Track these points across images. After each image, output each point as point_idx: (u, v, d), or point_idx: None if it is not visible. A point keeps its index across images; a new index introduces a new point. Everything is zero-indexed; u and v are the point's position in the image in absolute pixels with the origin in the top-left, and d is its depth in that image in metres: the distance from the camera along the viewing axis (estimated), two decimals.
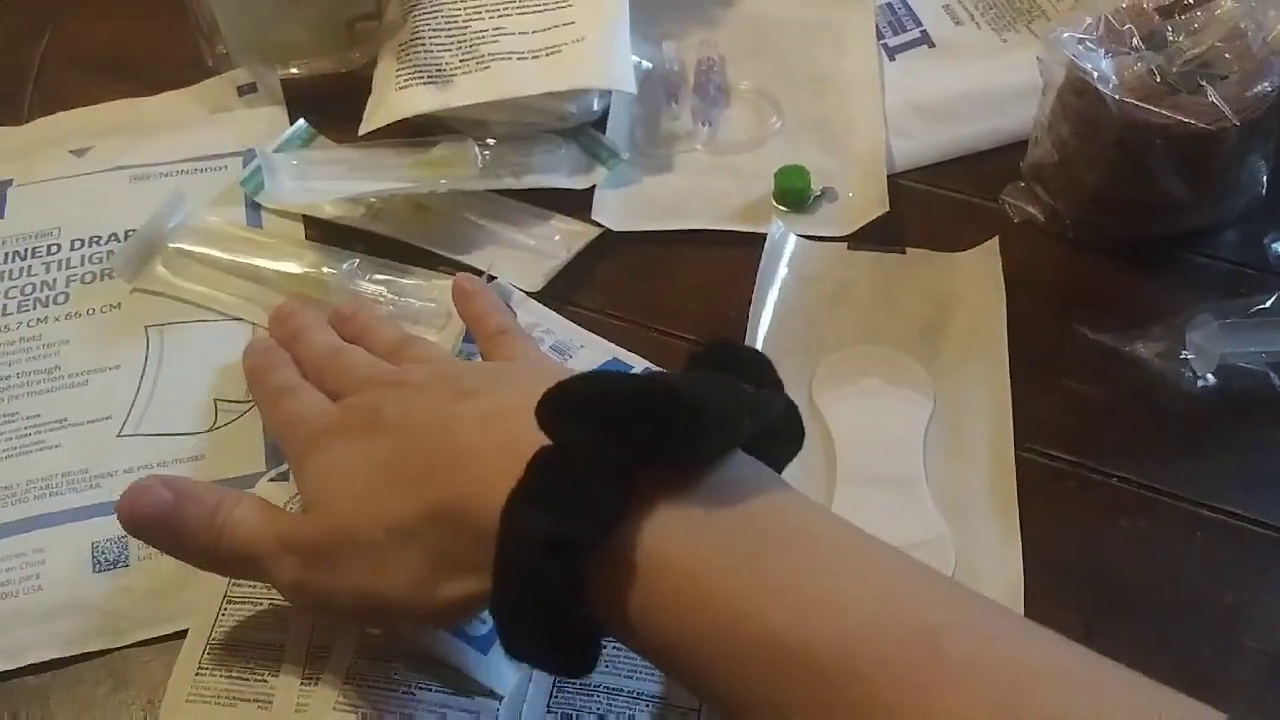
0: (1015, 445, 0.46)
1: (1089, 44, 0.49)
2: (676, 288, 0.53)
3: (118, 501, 0.37)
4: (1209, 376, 0.47)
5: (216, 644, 0.40)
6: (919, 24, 0.61)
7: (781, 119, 0.58)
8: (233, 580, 0.41)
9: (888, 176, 0.55)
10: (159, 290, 0.52)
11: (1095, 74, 0.48)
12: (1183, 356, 0.47)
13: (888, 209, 0.53)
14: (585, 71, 0.55)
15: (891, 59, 0.60)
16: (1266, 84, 0.48)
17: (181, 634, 0.41)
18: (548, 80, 0.54)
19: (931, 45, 0.60)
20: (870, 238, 0.53)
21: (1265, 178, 0.52)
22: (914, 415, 0.47)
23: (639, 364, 0.50)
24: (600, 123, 0.58)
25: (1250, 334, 0.47)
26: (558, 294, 0.52)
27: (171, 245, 0.53)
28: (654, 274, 0.53)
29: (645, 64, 0.60)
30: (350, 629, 0.39)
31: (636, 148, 0.57)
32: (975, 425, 0.47)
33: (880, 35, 0.61)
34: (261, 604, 0.41)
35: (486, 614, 0.33)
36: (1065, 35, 0.48)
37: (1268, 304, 0.48)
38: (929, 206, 0.55)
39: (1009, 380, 0.47)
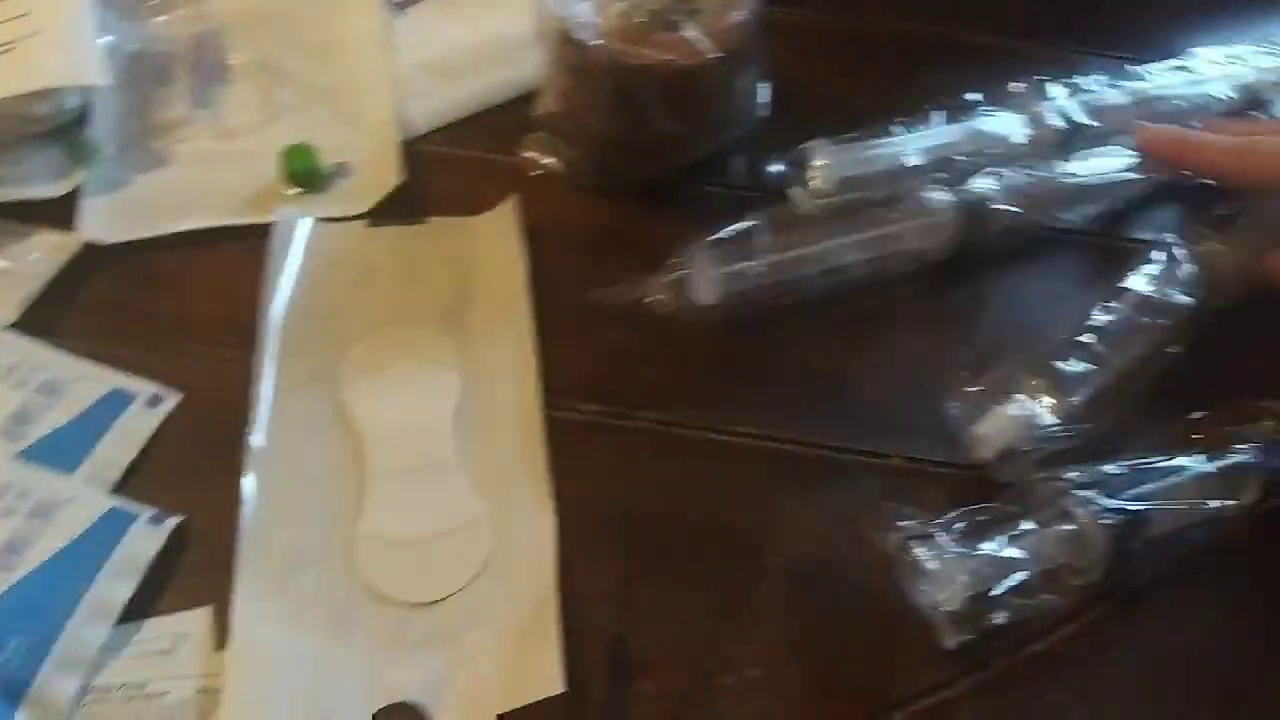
0: (546, 406, 0.46)
1: None
2: (184, 297, 0.48)
3: None
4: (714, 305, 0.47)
5: None
6: None
7: (288, 92, 0.54)
8: None
9: (407, 142, 0.53)
10: None
11: (576, 20, 0.47)
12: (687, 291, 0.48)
13: (402, 179, 0.51)
14: (44, 69, 0.49)
15: (402, 13, 0.57)
16: (739, 12, 0.49)
17: None
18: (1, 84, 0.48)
19: None
20: (393, 211, 0.51)
21: (765, 100, 0.54)
22: (443, 396, 0.46)
23: (145, 390, 0.45)
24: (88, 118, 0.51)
25: (736, 256, 0.48)
26: (42, 323, 0.47)
27: None
28: (157, 285, 0.49)
29: (132, 46, 0.54)
30: None
31: (129, 142, 0.52)
32: (503, 393, 0.46)
33: None
34: None
35: None
36: None
37: (749, 225, 0.49)
38: (452, 169, 0.53)
39: (532, 341, 0.47)
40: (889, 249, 0.48)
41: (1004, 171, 0.50)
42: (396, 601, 0.41)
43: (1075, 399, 0.45)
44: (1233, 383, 0.46)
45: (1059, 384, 0.45)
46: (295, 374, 0.46)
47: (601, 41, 0.47)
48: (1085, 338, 0.46)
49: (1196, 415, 0.45)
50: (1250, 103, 0.56)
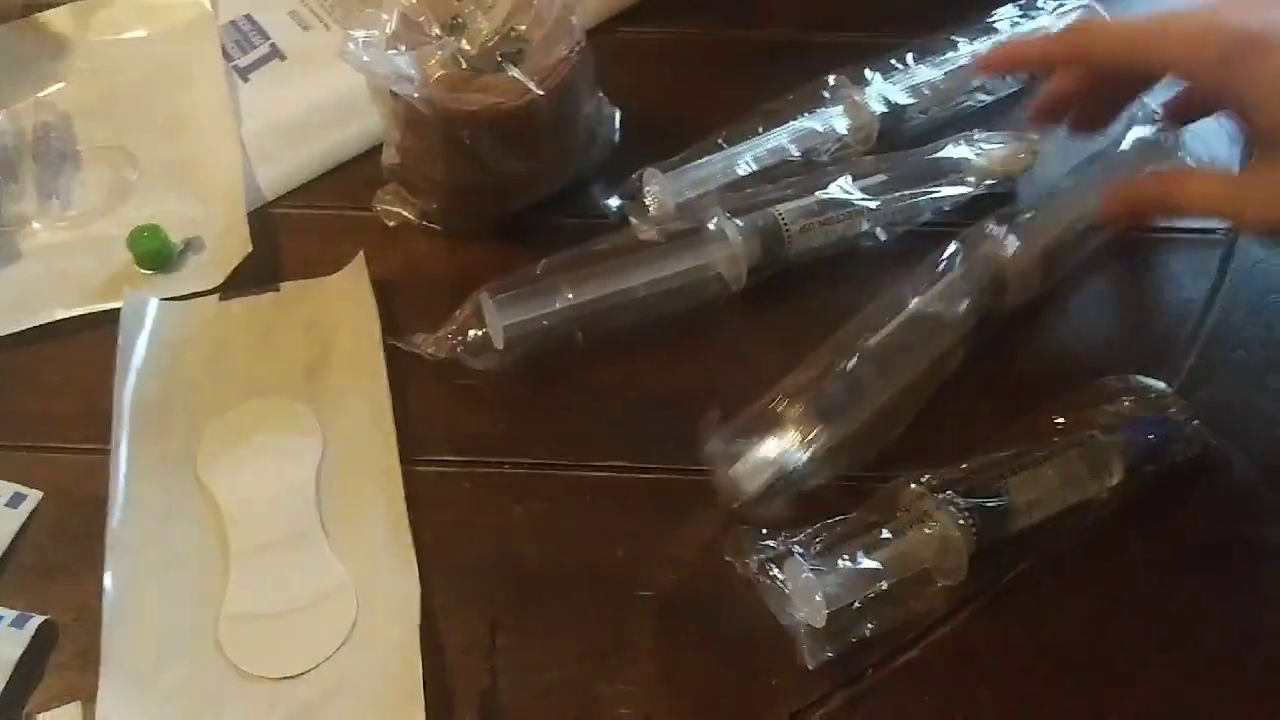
0: (407, 460, 0.45)
1: (388, 43, 0.47)
2: (44, 392, 0.48)
3: None
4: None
5: None
6: (267, 37, 0.58)
7: (138, 172, 0.54)
8: None
9: (261, 207, 0.53)
10: None
11: (394, 75, 0.46)
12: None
13: (250, 249, 0.50)
14: None
15: (245, 80, 0.57)
16: (563, 47, 0.49)
17: None
18: None
19: (283, 58, 0.58)
20: (249, 280, 0.51)
21: (615, 126, 0.54)
22: (304, 463, 0.45)
23: (5, 491, 0.44)
24: None
25: (527, 301, 0.47)
26: None
27: None
28: (12, 384, 0.48)
29: None
30: None
31: None
32: (363, 452, 0.46)
33: (229, 57, 0.58)
34: None
35: None
36: (359, 40, 0.46)
37: (538, 269, 0.48)
38: (307, 231, 0.53)
39: (389, 398, 0.46)
40: (689, 279, 0.47)
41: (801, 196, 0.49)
42: (265, 678, 0.40)
43: (835, 430, 0.43)
44: (1027, 386, 0.46)
45: (819, 415, 0.43)
46: (151, 458, 0.45)
47: (425, 92, 0.47)
48: (851, 363, 0.45)
49: (1054, 402, 0.45)
50: None
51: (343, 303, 0.49)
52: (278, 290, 0.50)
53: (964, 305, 0.46)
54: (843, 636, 0.40)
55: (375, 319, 0.48)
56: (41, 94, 0.56)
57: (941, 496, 0.41)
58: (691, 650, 0.41)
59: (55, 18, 0.60)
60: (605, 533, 0.44)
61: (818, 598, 0.39)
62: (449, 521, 0.44)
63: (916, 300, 0.46)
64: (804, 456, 0.43)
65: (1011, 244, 0.47)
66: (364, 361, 0.47)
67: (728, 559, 0.42)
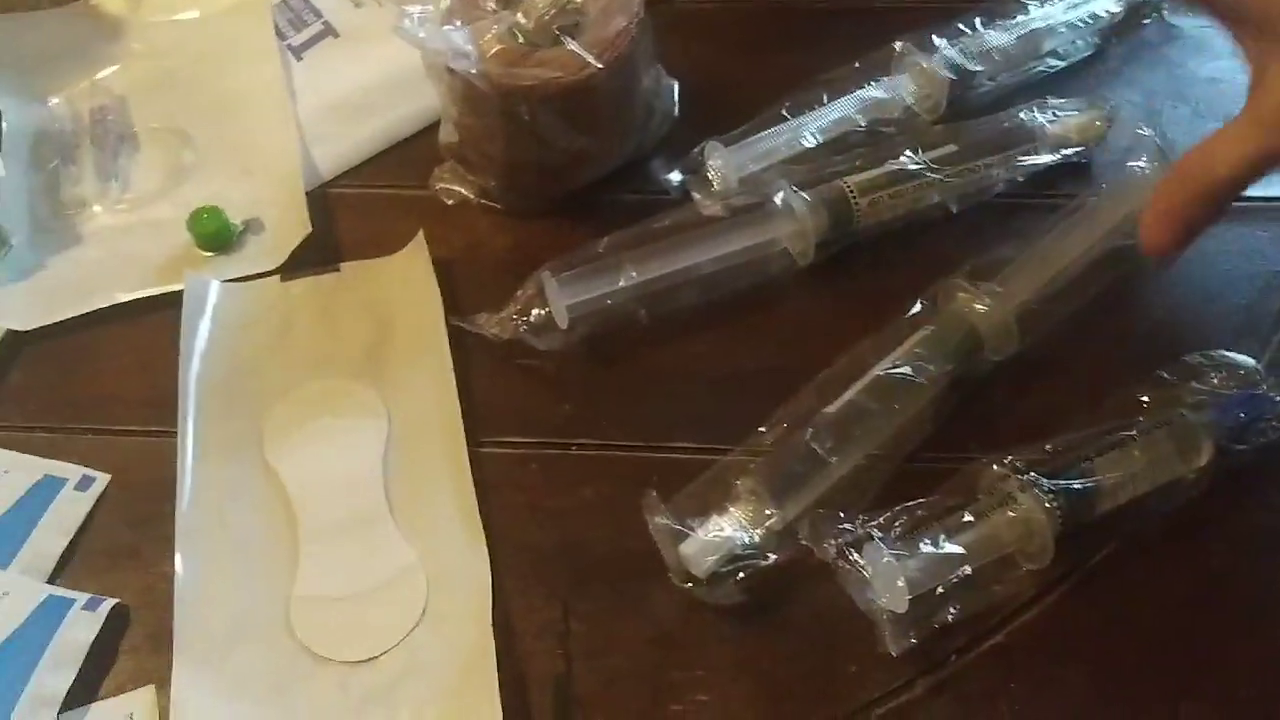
0: (475, 442, 0.45)
1: (444, 18, 0.47)
2: (109, 375, 0.48)
3: None
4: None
5: None
6: (319, 15, 0.58)
7: (195, 153, 0.54)
8: None
9: (318, 188, 0.52)
10: None
11: (450, 52, 0.46)
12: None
13: (309, 229, 0.50)
14: None
15: (299, 59, 0.56)
16: (621, 19, 0.48)
17: None
18: None
19: (336, 36, 0.57)
20: (309, 261, 0.50)
21: (674, 99, 0.53)
22: (370, 445, 0.45)
23: (75, 473, 0.45)
24: None
25: (590, 279, 0.46)
26: None
27: None
28: (79, 367, 0.48)
29: (31, 129, 0.54)
30: None
31: (40, 226, 0.52)
32: (429, 434, 0.45)
33: (283, 35, 0.57)
34: None
35: None
36: (414, 16, 0.46)
37: (600, 247, 0.47)
38: (365, 210, 0.53)
39: (453, 378, 0.46)
40: (754, 255, 0.46)
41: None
42: (337, 661, 0.40)
43: (790, 507, 0.40)
44: (1109, 365, 0.44)
45: (773, 490, 0.40)
46: (217, 441, 0.45)
47: (482, 67, 0.46)
48: (808, 433, 0.41)
49: (1138, 381, 0.43)
50: (1133, 11, 0.55)
51: (404, 282, 0.49)
52: (338, 271, 0.50)
53: (933, 367, 0.43)
54: (925, 622, 0.39)
55: (437, 299, 0.47)
56: (97, 77, 0.56)
57: (1026, 478, 0.40)
58: (766, 636, 0.40)
59: (109, 0, 0.60)
60: None
61: (900, 582, 0.38)
62: (517, 504, 0.44)
63: (880, 363, 0.43)
64: (756, 536, 0.40)
65: (982, 305, 0.44)
66: (427, 342, 0.47)
67: (804, 542, 0.40)
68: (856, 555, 0.39)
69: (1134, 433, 0.41)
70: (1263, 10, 0.37)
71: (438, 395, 0.46)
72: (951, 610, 0.39)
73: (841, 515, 0.40)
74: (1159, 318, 0.48)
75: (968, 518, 0.40)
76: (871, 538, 0.40)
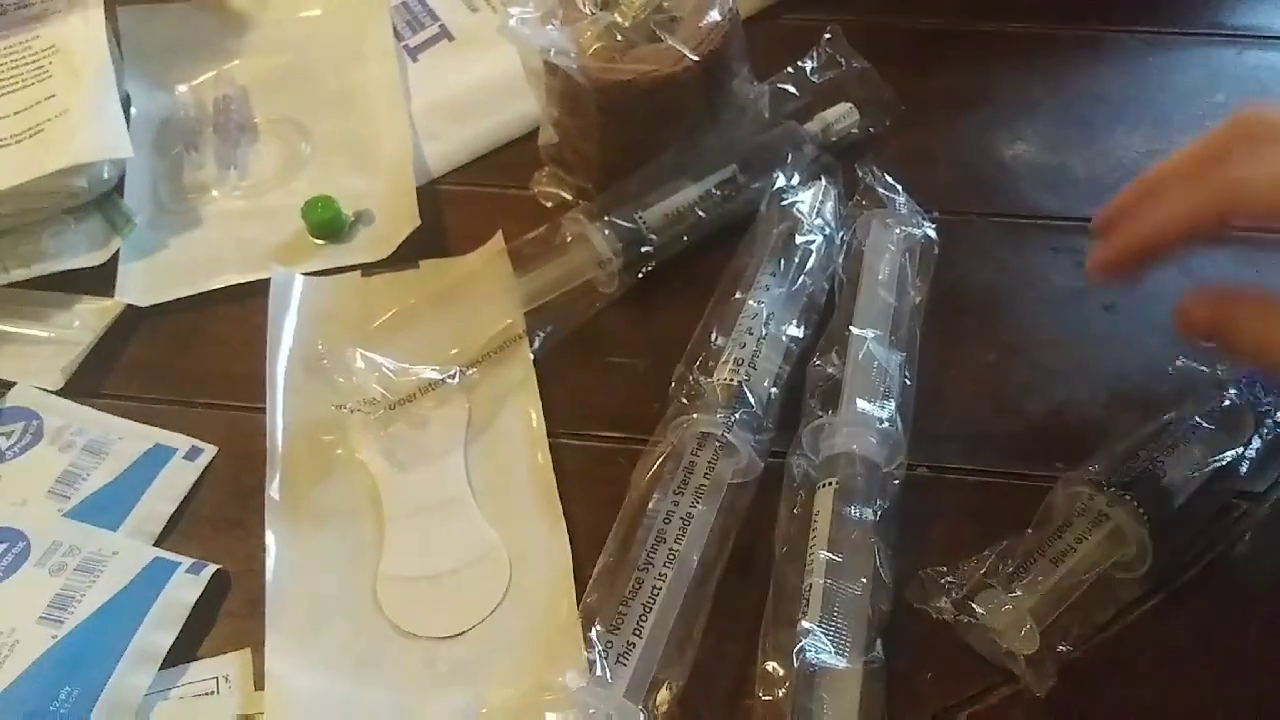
0: (558, 435, 0.46)
1: (545, 18, 0.48)
2: (218, 353, 0.50)
3: None
4: None
5: None
6: (436, 19, 0.60)
7: (311, 145, 0.56)
8: None
9: (427, 184, 0.54)
10: None
11: (552, 50, 0.47)
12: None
13: (418, 222, 0.51)
14: (72, 147, 0.51)
15: (414, 59, 0.58)
16: (715, 13, 0.48)
17: None
18: (32, 165, 0.50)
19: (451, 39, 0.59)
20: (414, 254, 0.52)
21: (760, 106, 0.53)
22: (452, 432, 0.46)
23: (184, 444, 0.47)
24: (123, 186, 0.54)
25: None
26: (86, 385, 0.49)
27: None
28: (192, 343, 0.51)
29: (160, 114, 0.57)
30: None
31: (162, 207, 0.54)
32: (509, 424, 0.46)
33: (400, 36, 0.59)
34: None
35: None
36: (517, 17, 0.47)
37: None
38: (470, 207, 0.54)
39: (533, 371, 0.47)
40: None
41: None
42: (423, 638, 0.42)
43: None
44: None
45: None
46: (303, 427, 0.47)
47: (581, 64, 0.47)
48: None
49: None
50: None
51: (482, 278, 0.50)
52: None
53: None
54: (1056, 654, 0.38)
55: (515, 294, 0.48)
56: (223, 68, 0.59)
57: (1112, 491, 0.40)
58: None
59: None
60: (761, 520, 0.43)
61: (1028, 625, 0.38)
62: (599, 496, 0.44)
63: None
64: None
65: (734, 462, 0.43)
66: (507, 335, 0.48)
67: (916, 606, 0.40)
68: (977, 607, 0.39)
69: (1182, 429, 0.42)
70: None
71: (518, 385, 0.47)
72: (1069, 640, 0.39)
73: (943, 569, 0.41)
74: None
75: (1069, 542, 0.40)
76: (990, 585, 0.40)
